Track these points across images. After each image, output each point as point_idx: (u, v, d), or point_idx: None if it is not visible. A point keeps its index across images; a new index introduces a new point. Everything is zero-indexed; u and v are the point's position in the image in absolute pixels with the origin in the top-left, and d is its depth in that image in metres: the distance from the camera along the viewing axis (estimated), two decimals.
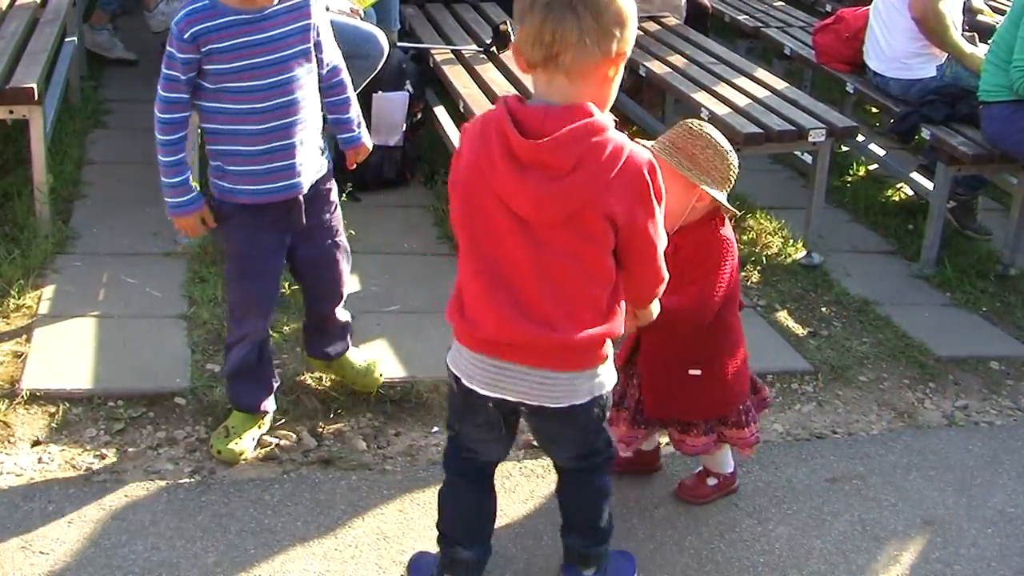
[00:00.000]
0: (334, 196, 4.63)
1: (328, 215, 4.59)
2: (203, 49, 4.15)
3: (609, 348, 3.52)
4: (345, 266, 4.73)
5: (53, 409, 4.78)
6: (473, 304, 3.43)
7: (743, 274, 6.55)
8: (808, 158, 6.86)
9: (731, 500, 4.62)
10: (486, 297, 3.38)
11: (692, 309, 4.04)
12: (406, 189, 7.19)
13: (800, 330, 6.05)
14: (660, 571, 4.19)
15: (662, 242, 3.40)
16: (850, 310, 6.30)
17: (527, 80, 6.43)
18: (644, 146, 3.42)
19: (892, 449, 5.10)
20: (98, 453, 4.58)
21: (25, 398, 4.81)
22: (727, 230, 4.20)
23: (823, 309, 6.29)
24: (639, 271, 3.45)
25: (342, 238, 4.69)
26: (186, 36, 4.13)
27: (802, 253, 6.82)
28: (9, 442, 4.61)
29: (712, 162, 4.07)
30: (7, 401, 4.79)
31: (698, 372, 4.25)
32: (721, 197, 4.08)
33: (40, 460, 4.53)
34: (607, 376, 3.55)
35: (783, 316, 6.17)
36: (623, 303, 3.50)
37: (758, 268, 6.63)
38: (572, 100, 3.20)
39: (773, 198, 7.60)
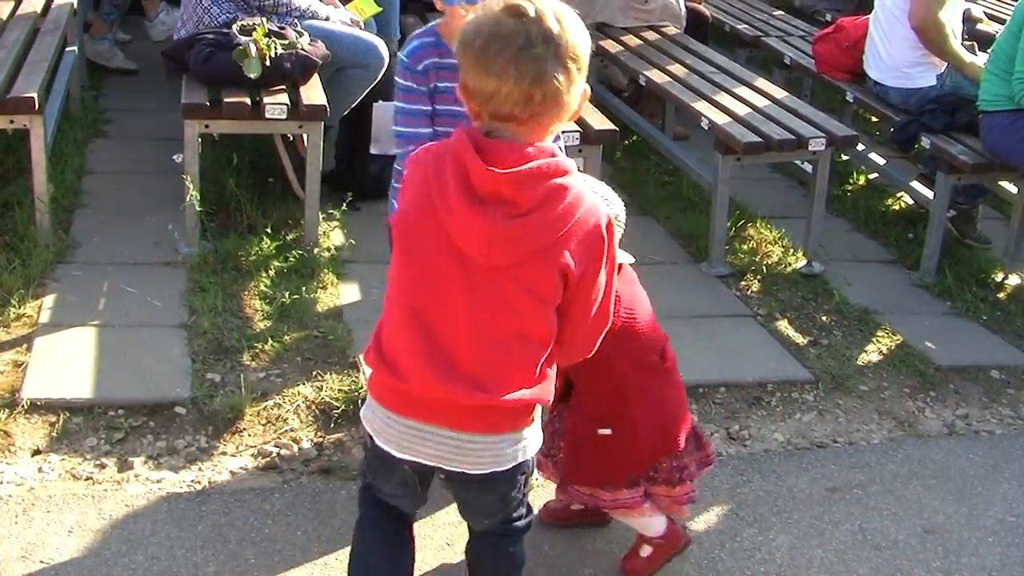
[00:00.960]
0: None
1: None
2: (431, 85, 4.15)
3: (537, 411, 3.30)
4: None
5: (53, 418, 4.78)
6: (395, 354, 3.17)
7: (743, 283, 6.56)
8: (808, 167, 6.86)
9: (732, 509, 4.61)
10: (411, 347, 3.12)
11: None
12: None
13: (800, 339, 6.04)
14: None
15: (600, 305, 3.21)
16: (850, 319, 6.30)
17: None
18: None
19: (893, 458, 5.10)
20: (98, 462, 4.58)
21: (25, 407, 4.81)
22: (626, 285, 3.96)
23: (823, 318, 6.29)
24: (572, 332, 3.22)
25: None
26: (419, 68, 4.12)
27: (802, 262, 6.82)
28: (9, 451, 4.60)
29: None
30: (7, 411, 4.79)
31: (608, 431, 3.95)
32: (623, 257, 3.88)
33: (40, 469, 4.52)
34: (532, 440, 3.31)
35: (783, 325, 6.16)
36: (554, 368, 3.27)
37: (758, 277, 6.63)
38: (525, 140, 3.00)
39: (773, 207, 7.60)
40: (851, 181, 8.34)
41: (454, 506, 3.81)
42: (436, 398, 3.12)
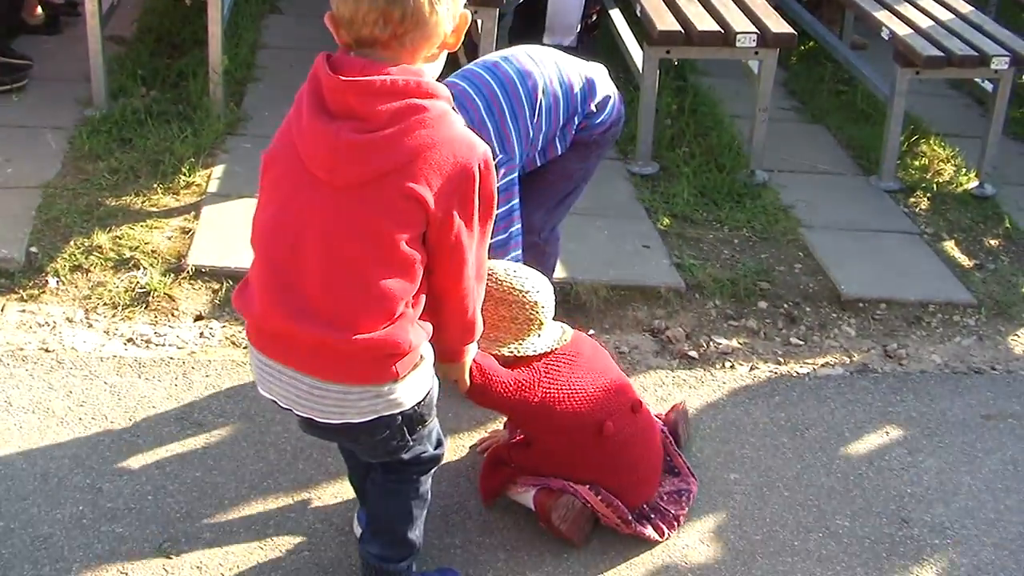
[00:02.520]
0: None
1: None
2: None
3: (413, 361, 3.01)
4: None
5: (216, 286, 4.89)
6: (252, 286, 2.99)
7: (912, 200, 6.42)
8: (988, 85, 6.65)
9: (883, 428, 4.55)
10: (262, 279, 2.94)
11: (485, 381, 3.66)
12: None
13: (966, 262, 5.91)
14: (805, 490, 4.16)
15: (477, 268, 3.01)
16: (1019, 245, 6.13)
17: None
18: None
19: None
20: None
21: (190, 273, 4.92)
22: (550, 366, 3.75)
23: (992, 242, 6.14)
24: (444, 291, 3.00)
25: None
26: None
27: (974, 183, 6.64)
28: (173, 315, 4.72)
29: (497, 314, 3.66)
30: (173, 275, 4.90)
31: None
32: (526, 349, 3.71)
33: (202, 335, 4.64)
34: (406, 394, 3.03)
35: (950, 246, 6.03)
36: (428, 325, 3.04)
37: (928, 195, 6.49)
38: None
39: (948, 125, 7.41)
40: None
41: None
42: (281, 332, 2.93)
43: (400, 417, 3.06)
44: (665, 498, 3.95)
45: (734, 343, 5.03)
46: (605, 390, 3.82)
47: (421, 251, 2.88)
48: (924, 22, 6.68)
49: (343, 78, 2.73)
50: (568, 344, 3.83)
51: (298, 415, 3.08)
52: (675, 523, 3.91)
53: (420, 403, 3.10)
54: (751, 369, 4.87)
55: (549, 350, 3.76)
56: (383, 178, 2.77)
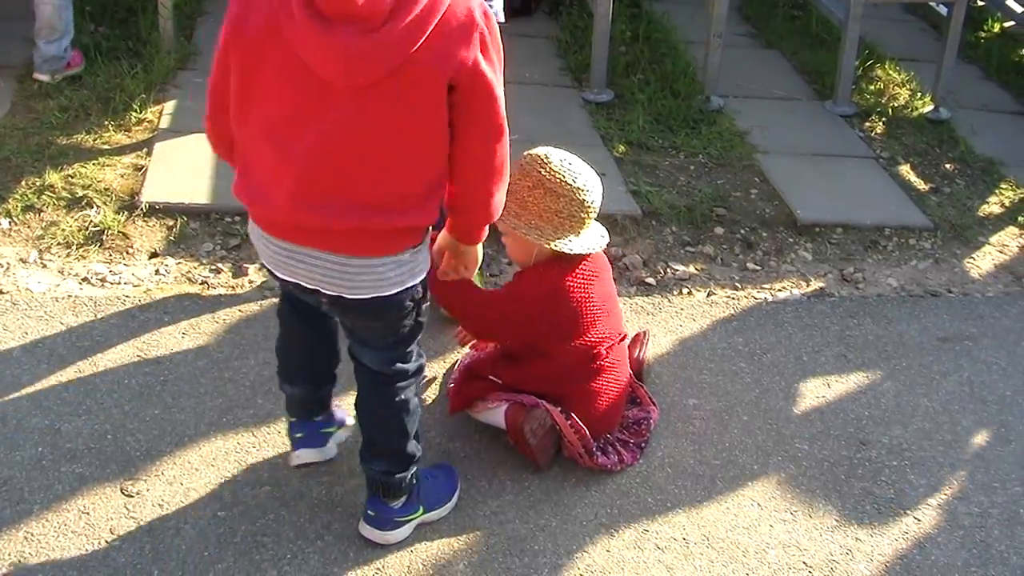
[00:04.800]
0: None
1: None
2: None
3: (426, 232, 3.09)
4: None
5: (171, 222, 4.85)
6: (260, 180, 2.97)
7: (867, 124, 6.44)
8: (943, 10, 6.65)
9: (840, 351, 4.58)
10: (275, 174, 2.92)
11: (475, 303, 3.77)
12: (530, 19, 7.11)
13: (922, 185, 5.93)
14: (764, 415, 4.18)
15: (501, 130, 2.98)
16: (975, 169, 6.16)
17: None
18: None
19: (1007, 313, 5.01)
20: (214, 267, 4.65)
21: (144, 211, 4.88)
22: (576, 276, 3.75)
23: (947, 166, 6.16)
24: (477, 157, 2.97)
25: None
26: None
27: (930, 107, 6.66)
28: (127, 253, 4.69)
29: (544, 204, 3.64)
30: (126, 213, 4.86)
31: (499, 381, 3.89)
32: (563, 245, 3.68)
33: (157, 272, 4.61)
34: (423, 260, 3.11)
35: (905, 170, 6.05)
36: (439, 189, 3.04)
37: (883, 119, 6.50)
38: None
39: (903, 49, 7.41)
40: (985, 28, 8.09)
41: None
42: (311, 225, 2.94)
43: (421, 289, 3.14)
44: (626, 430, 3.96)
45: (691, 269, 5.04)
46: (608, 316, 3.85)
47: (446, 130, 2.90)
48: None
49: None
50: (596, 257, 3.83)
51: (326, 294, 3.08)
52: (636, 452, 3.93)
53: (424, 279, 3.17)
54: (708, 295, 4.89)
55: (584, 253, 3.73)
56: (398, 70, 2.75)
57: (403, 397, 3.37)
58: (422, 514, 3.55)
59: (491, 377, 3.91)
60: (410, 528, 3.52)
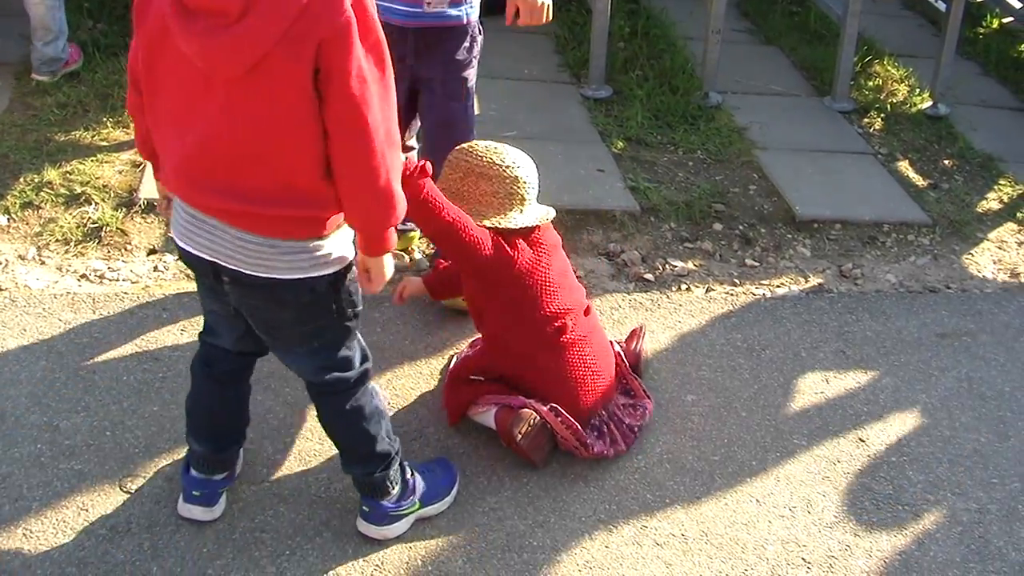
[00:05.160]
0: None
1: None
2: None
3: (338, 222, 2.99)
4: None
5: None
6: (164, 158, 2.97)
7: (866, 120, 6.44)
8: (942, 5, 6.66)
9: (839, 347, 4.58)
10: (172, 155, 2.91)
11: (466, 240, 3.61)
12: None
13: (920, 181, 5.93)
14: (763, 411, 4.18)
15: (385, 131, 2.85)
16: (973, 165, 6.16)
17: None
18: None
19: (1005, 309, 5.01)
20: None
21: (142, 207, 4.88)
22: (526, 250, 3.73)
23: (945, 162, 6.16)
24: (348, 159, 2.84)
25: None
26: None
27: (928, 103, 6.66)
28: (126, 250, 4.69)
29: (479, 189, 3.67)
30: (124, 210, 4.86)
31: (480, 379, 3.90)
32: (507, 222, 3.68)
33: (155, 268, 4.61)
34: (333, 251, 3.02)
35: (904, 166, 6.05)
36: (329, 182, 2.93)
37: (882, 116, 6.50)
38: None
39: (902, 45, 7.42)
40: (984, 24, 8.09)
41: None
42: (203, 205, 2.93)
43: (326, 282, 3.03)
44: (620, 410, 3.96)
45: (689, 265, 5.04)
46: (568, 289, 3.85)
47: (319, 122, 2.79)
48: None
49: None
50: (547, 230, 3.83)
51: (226, 268, 3.00)
52: (631, 435, 3.93)
53: (347, 272, 3.08)
54: (707, 291, 4.89)
55: (532, 225, 3.74)
56: (259, 64, 2.68)
57: (353, 405, 3.32)
58: (418, 508, 3.54)
59: (476, 376, 3.91)
60: (407, 523, 3.52)
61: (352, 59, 2.72)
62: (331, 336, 3.21)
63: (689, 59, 6.72)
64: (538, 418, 3.77)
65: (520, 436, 3.73)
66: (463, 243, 3.58)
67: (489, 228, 3.66)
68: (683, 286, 4.90)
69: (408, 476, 3.51)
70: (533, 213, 3.77)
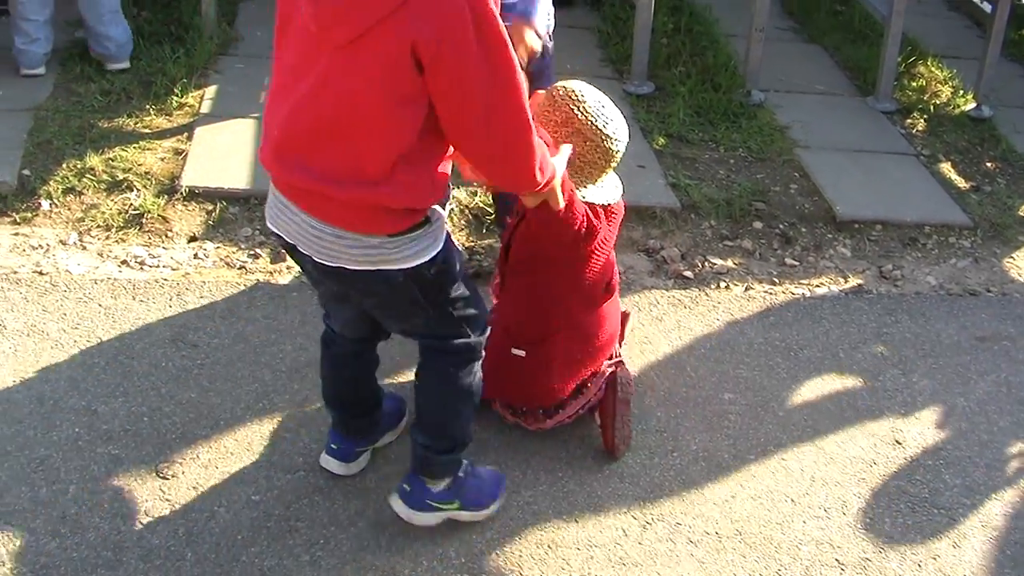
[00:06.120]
0: None
1: None
2: None
3: (414, 222, 2.96)
4: None
5: (210, 207, 4.88)
6: (266, 132, 2.99)
7: (909, 121, 6.40)
8: (987, 7, 6.60)
9: (877, 348, 4.56)
10: (267, 125, 2.96)
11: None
12: (572, 10, 7.09)
13: (963, 184, 5.89)
14: (799, 412, 4.17)
15: (506, 97, 2.77)
16: (1016, 168, 6.11)
17: None
18: None
19: None
20: (252, 252, 4.67)
21: (184, 195, 4.90)
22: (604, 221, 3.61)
23: (988, 164, 6.11)
24: (458, 133, 2.83)
25: None
26: None
27: (972, 105, 6.61)
28: (167, 237, 4.71)
29: (571, 143, 3.36)
30: (166, 197, 4.89)
31: (522, 353, 3.74)
32: (588, 194, 3.53)
33: (196, 256, 4.63)
34: (404, 254, 3.00)
35: (946, 168, 6.01)
36: (439, 184, 2.96)
37: (924, 116, 6.46)
38: None
39: (946, 46, 7.36)
40: None
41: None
42: (281, 177, 2.96)
43: (402, 276, 3.02)
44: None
45: (729, 263, 5.02)
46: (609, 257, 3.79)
47: (417, 109, 2.78)
48: None
49: None
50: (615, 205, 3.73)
51: (302, 252, 3.05)
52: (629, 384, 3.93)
53: (427, 267, 3.05)
54: (746, 289, 4.87)
55: (600, 204, 3.58)
56: (369, 32, 2.65)
57: (454, 373, 3.32)
58: (456, 508, 3.51)
59: (515, 351, 3.80)
60: (439, 517, 3.50)
61: (464, 43, 2.65)
62: (422, 320, 3.22)
63: (732, 56, 6.69)
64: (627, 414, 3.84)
65: (620, 441, 3.81)
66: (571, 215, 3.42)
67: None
68: (722, 284, 4.89)
69: (460, 473, 3.49)
70: (608, 190, 3.63)
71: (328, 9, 2.69)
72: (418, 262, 3.02)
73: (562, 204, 3.20)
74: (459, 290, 3.20)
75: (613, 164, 3.58)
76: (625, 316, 4.23)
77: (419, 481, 3.44)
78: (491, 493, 3.60)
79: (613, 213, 3.68)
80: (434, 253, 3.06)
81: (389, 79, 2.71)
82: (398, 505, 3.47)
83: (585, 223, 3.43)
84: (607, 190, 3.61)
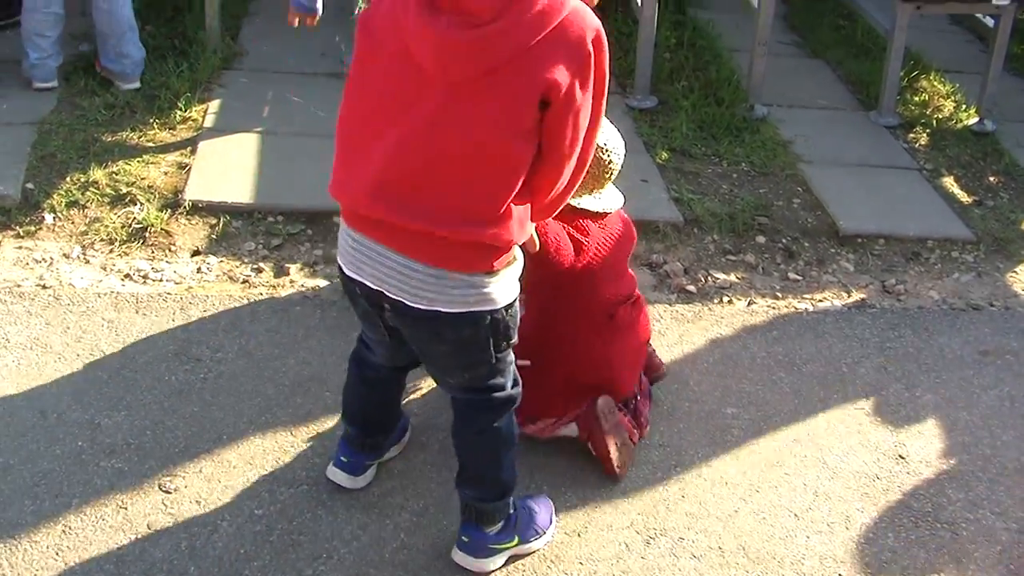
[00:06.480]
0: None
1: None
2: None
3: (509, 259, 2.99)
4: None
5: (214, 221, 4.88)
6: (351, 169, 2.95)
7: (912, 135, 6.41)
8: (990, 21, 6.61)
9: (880, 363, 4.56)
10: (363, 163, 2.89)
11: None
12: None
13: (965, 198, 5.89)
14: (802, 426, 4.17)
15: (588, 139, 2.89)
16: (1019, 182, 6.11)
17: None
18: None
19: None
20: (256, 266, 4.68)
21: (187, 208, 4.91)
22: (594, 228, 3.70)
23: (991, 179, 6.12)
24: (542, 182, 2.90)
25: None
26: None
27: (975, 119, 6.61)
28: (170, 250, 4.72)
29: None
30: (170, 211, 4.89)
31: (527, 363, 3.64)
32: (583, 203, 3.63)
33: (199, 270, 4.63)
34: (499, 291, 3.00)
35: (949, 182, 6.01)
36: (527, 208, 2.95)
37: (927, 131, 6.46)
38: None
39: (949, 60, 7.37)
40: None
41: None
42: (382, 221, 2.89)
43: (488, 318, 3.01)
44: (639, 397, 3.97)
45: (732, 278, 5.03)
46: (623, 277, 3.82)
47: (531, 146, 2.81)
48: None
49: None
50: (614, 216, 3.77)
51: (389, 298, 3.00)
52: (646, 424, 3.95)
53: (509, 309, 3.06)
54: (749, 304, 4.87)
55: (601, 212, 3.68)
56: (493, 73, 2.70)
57: (494, 425, 3.29)
58: (516, 544, 3.49)
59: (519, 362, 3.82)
60: (503, 557, 3.47)
61: (581, 90, 2.76)
62: (485, 369, 3.19)
63: (735, 71, 6.70)
64: (625, 433, 3.82)
65: (619, 464, 3.78)
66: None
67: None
68: (725, 298, 4.89)
69: (512, 510, 3.46)
70: (608, 200, 3.70)
71: (451, 48, 2.69)
72: (510, 299, 3.04)
73: (538, 247, 3.35)
74: (516, 337, 3.20)
75: (609, 177, 3.64)
76: (656, 365, 4.22)
77: (475, 529, 3.42)
78: (545, 518, 3.58)
79: (607, 227, 3.71)
80: (517, 290, 3.08)
81: (513, 117, 2.74)
82: (461, 558, 3.44)
83: (562, 243, 3.54)
84: (604, 202, 3.68)
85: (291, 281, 4.63)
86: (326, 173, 3.06)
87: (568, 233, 3.64)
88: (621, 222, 3.82)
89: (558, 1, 2.70)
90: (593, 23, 2.76)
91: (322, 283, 4.63)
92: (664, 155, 5.81)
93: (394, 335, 3.19)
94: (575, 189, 3.05)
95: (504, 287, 3.01)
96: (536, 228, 3.32)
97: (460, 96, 2.73)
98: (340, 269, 3.12)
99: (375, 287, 3.00)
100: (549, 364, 3.75)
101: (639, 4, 6.33)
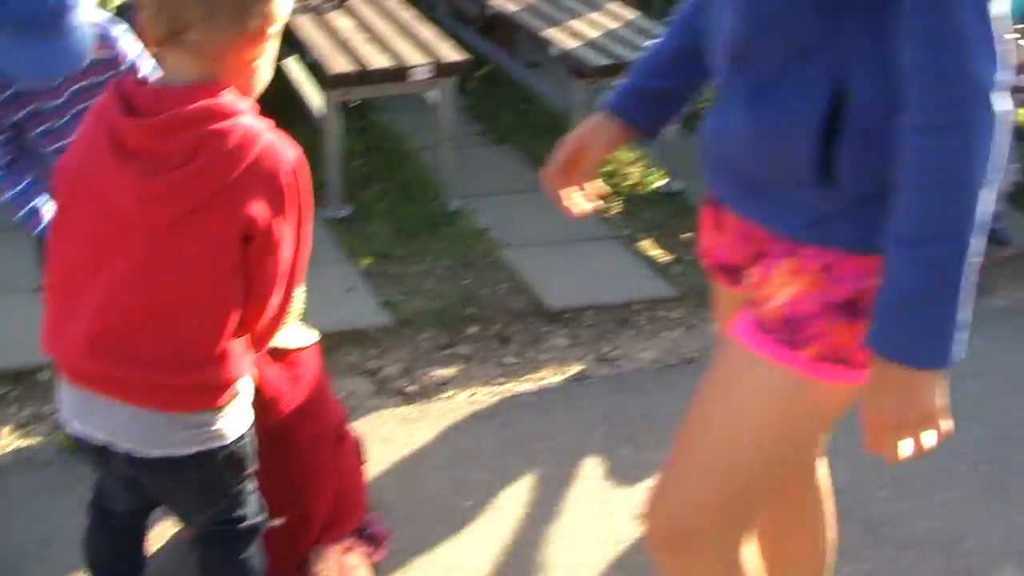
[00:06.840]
0: None
1: None
2: None
3: (233, 392, 2.90)
4: None
5: None
6: (55, 310, 2.87)
7: (605, 203, 6.57)
8: None
9: (605, 431, 4.62)
10: (73, 317, 2.79)
11: None
12: None
13: (664, 256, 6.07)
14: (541, 504, 4.19)
15: (296, 265, 2.85)
16: None
17: (381, 27, 6.37)
18: None
19: None
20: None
21: None
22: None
23: (685, 235, 6.31)
24: (262, 295, 2.82)
25: None
26: None
27: (663, 181, 6.83)
28: None
29: None
30: None
31: (281, 521, 3.56)
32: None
33: None
34: (229, 425, 2.91)
35: (647, 245, 6.18)
36: (244, 340, 2.90)
37: (620, 199, 6.64)
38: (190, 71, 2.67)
39: None
40: None
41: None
42: (101, 374, 2.79)
43: (220, 454, 2.92)
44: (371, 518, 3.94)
45: (451, 372, 5.04)
46: (334, 403, 3.81)
47: (240, 283, 2.76)
48: (594, 33, 6.85)
49: (137, 121, 2.62)
50: (310, 351, 3.75)
51: (121, 447, 2.87)
52: (385, 536, 3.91)
53: (240, 441, 2.97)
54: (471, 395, 4.89)
55: (295, 347, 3.65)
56: (193, 213, 2.65)
57: (240, 557, 3.17)
58: None
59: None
60: None
61: (279, 225, 2.72)
62: (226, 502, 3.10)
63: (426, 168, 6.78)
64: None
65: None
66: None
67: None
68: (447, 394, 4.89)
69: None
70: (295, 334, 3.67)
71: (149, 194, 2.63)
72: (242, 430, 2.96)
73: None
74: (253, 464, 3.12)
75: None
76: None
77: None
78: None
79: (296, 364, 3.67)
80: (249, 422, 3.01)
81: (219, 256, 2.70)
82: None
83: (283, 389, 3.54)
84: (291, 337, 3.65)
85: (5, 445, 4.44)
86: (24, 328, 2.97)
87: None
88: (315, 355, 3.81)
89: (251, 135, 2.67)
90: (288, 155, 2.74)
91: (38, 442, 4.45)
92: (367, 261, 5.82)
93: (131, 482, 3.08)
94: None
95: (233, 420, 2.94)
96: (255, 377, 3.25)
97: (164, 240, 2.68)
98: (65, 424, 3.01)
99: (105, 438, 2.90)
100: (308, 506, 3.69)
101: (319, 118, 6.36)
